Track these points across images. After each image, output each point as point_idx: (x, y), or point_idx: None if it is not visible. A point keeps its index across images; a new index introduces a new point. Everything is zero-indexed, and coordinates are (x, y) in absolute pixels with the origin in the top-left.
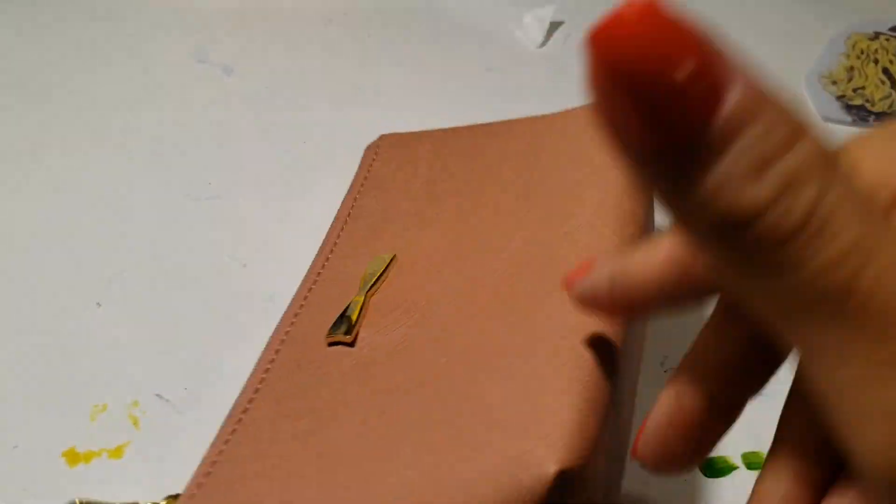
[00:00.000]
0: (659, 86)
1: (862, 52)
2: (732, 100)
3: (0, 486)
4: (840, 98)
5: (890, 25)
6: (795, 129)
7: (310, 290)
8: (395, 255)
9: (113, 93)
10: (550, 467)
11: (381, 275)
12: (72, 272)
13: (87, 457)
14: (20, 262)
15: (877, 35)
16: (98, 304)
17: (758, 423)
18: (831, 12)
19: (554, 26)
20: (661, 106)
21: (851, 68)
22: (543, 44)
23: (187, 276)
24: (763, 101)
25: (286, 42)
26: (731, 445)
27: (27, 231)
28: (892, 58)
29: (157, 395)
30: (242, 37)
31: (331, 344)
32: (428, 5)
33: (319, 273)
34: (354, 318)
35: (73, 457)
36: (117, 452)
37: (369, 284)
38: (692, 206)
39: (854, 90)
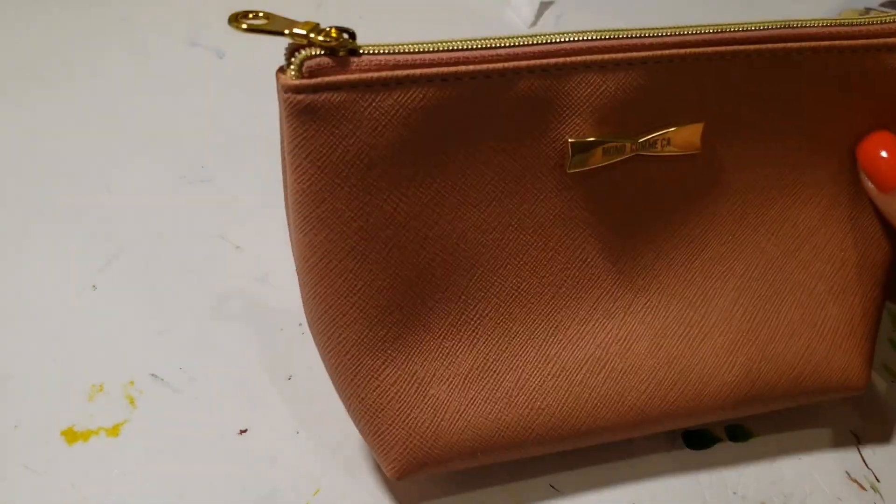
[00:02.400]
0: None
1: None
2: None
3: (1, 465)
4: None
5: (881, 0)
6: None
7: None
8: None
9: (106, 76)
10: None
11: None
12: (68, 256)
13: (86, 435)
14: (17, 247)
15: (867, 10)
16: (94, 286)
17: None
18: None
19: (545, 6)
20: None
21: None
22: (534, 23)
23: (181, 258)
24: None
25: None
26: None
27: (23, 215)
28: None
29: (153, 374)
30: None
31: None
32: None
33: None
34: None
35: (71, 436)
36: (114, 431)
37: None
38: None
39: None
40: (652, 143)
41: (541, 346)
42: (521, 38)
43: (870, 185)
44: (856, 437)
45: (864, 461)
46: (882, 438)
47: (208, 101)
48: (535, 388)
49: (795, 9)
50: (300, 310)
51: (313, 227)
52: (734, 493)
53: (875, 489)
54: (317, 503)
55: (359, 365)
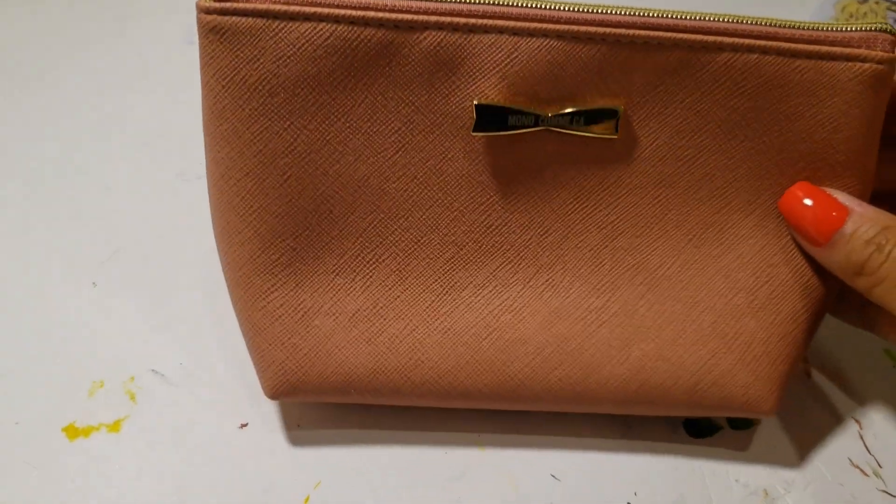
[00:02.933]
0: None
1: (851, 16)
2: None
3: (2, 461)
4: None
5: None
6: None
7: None
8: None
9: (103, 73)
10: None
11: None
12: (68, 253)
13: (87, 431)
14: (17, 244)
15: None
16: (94, 283)
17: None
18: None
19: None
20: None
21: None
22: None
23: (180, 255)
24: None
25: None
26: None
27: (23, 212)
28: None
29: (153, 370)
30: None
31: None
32: None
33: None
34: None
35: (72, 432)
36: (115, 426)
37: None
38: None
39: None
40: (564, 119)
41: (433, 301)
42: None
43: (803, 241)
44: (858, 423)
45: (866, 447)
46: (884, 424)
47: None
48: (419, 341)
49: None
50: None
51: (217, 143)
52: (736, 480)
53: (877, 475)
54: (317, 497)
55: (249, 284)
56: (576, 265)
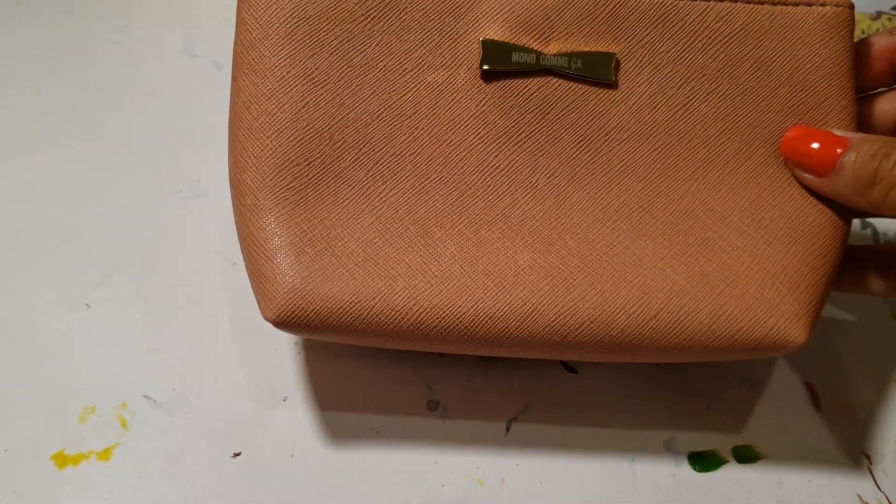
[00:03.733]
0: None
1: (863, 33)
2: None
3: None
4: None
5: (894, 3)
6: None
7: None
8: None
9: (100, 87)
10: (799, 339)
11: None
12: (61, 272)
13: (76, 459)
14: (9, 263)
15: (878, 14)
16: (87, 304)
17: (746, 415)
18: None
19: None
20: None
21: None
22: None
23: (176, 275)
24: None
25: None
26: (720, 440)
27: (15, 230)
28: None
29: (146, 395)
30: (232, 31)
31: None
32: None
33: None
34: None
35: (61, 459)
36: (105, 454)
37: None
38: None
39: None
40: (563, 60)
41: (442, 235)
42: None
43: (808, 176)
44: (868, 458)
45: (876, 483)
46: (894, 460)
47: (205, 113)
48: (427, 269)
49: None
50: None
51: (242, 71)
52: None
53: None
54: None
55: (259, 207)
56: (583, 207)
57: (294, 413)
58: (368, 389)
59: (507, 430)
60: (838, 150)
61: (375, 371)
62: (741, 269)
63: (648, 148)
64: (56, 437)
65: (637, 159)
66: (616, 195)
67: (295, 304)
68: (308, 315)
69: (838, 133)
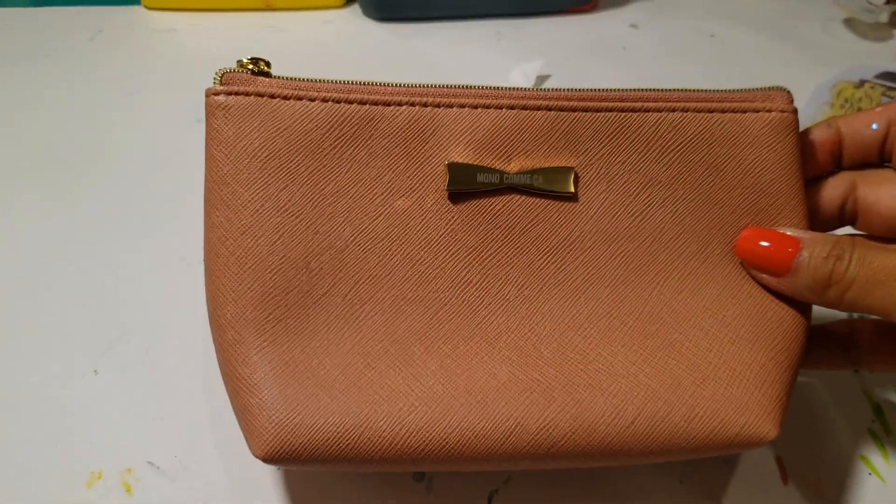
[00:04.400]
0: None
1: (846, 101)
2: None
3: None
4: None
5: (876, 72)
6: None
7: None
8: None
9: (110, 154)
10: (770, 435)
11: None
12: (72, 339)
13: None
14: (20, 328)
15: (862, 83)
16: (95, 371)
17: (718, 489)
18: (820, 59)
19: (541, 80)
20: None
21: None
22: None
23: (180, 343)
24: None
25: None
26: None
27: (26, 296)
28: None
29: (150, 462)
30: None
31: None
32: (420, 62)
33: None
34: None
35: None
36: None
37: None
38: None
39: None
40: (525, 177)
41: (421, 354)
42: (410, 83)
43: (765, 276)
44: None
45: None
46: None
47: None
48: (412, 391)
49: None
50: None
51: (216, 207)
52: None
53: None
54: None
55: (240, 341)
56: (554, 316)
57: (289, 483)
58: None
59: (489, 502)
60: (790, 249)
61: None
62: (709, 369)
63: (610, 255)
64: (65, 502)
65: (600, 266)
66: (584, 302)
67: (283, 439)
68: (296, 449)
69: (789, 232)
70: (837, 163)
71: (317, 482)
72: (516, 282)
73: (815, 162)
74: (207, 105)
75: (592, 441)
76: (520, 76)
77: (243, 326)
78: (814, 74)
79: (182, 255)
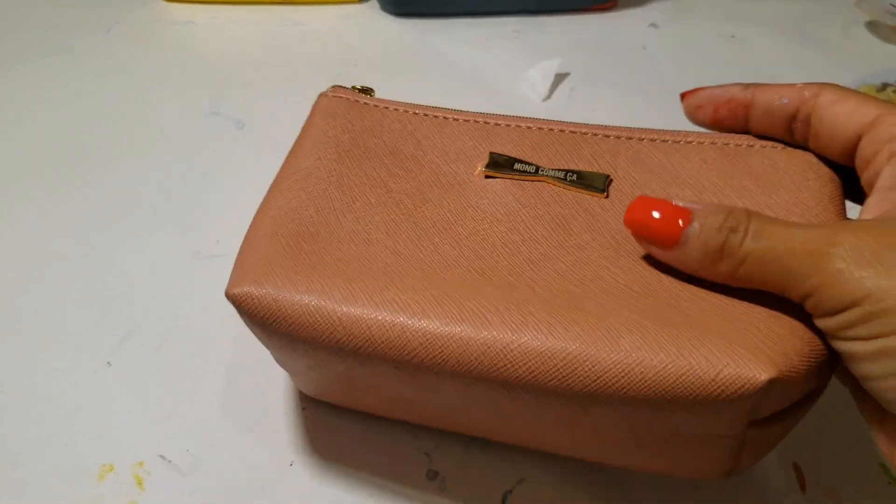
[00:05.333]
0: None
1: None
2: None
3: None
4: None
5: None
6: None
7: None
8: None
9: (125, 146)
10: (762, 375)
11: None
12: (83, 332)
13: None
14: (34, 321)
15: (884, 86)
16: (108, 363)
17: (736, 493)
18: (842, 62)
19: (559, 78)
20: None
21: None
22: (548, 97)
23: (192, 337)
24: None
25: (296, 97)
26: None
27: (41, 289)
28: None
29: (161, 456)
30: (255, 90)
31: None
32: (437, 59)
33: None
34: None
35: None
36: None
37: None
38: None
39: None
40: (560, 174)
41: (422, 276)
42: (473, 112)
43: (653, 248)
44: None
45: None
46: None
47: (225, 173)
48: (399, 288)
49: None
50: (303, 394)
51: (293, 153)
52: None
53: None
54: None
55: (265, 232)
56: (557, 271)
57: (300, 479)
58: (368, 457)
59: (503, 502)
60: (680, 221)
61: (376, 437)
62: (712, 323)
63: (633, 247)
64: (76, 494)
65: (620, 253)
66: (594, 270)
67: (261, 289)
68: (267, 303)
69: (681, 203)
70: (744, 125)
71: (327, 479)
72: (532, 246)
73: (724, 117)
74: (317, 100)
75: (556, 362)
76: (538, 74)
77: (272, 214)
78: (835, 78)
79: (196, 250)
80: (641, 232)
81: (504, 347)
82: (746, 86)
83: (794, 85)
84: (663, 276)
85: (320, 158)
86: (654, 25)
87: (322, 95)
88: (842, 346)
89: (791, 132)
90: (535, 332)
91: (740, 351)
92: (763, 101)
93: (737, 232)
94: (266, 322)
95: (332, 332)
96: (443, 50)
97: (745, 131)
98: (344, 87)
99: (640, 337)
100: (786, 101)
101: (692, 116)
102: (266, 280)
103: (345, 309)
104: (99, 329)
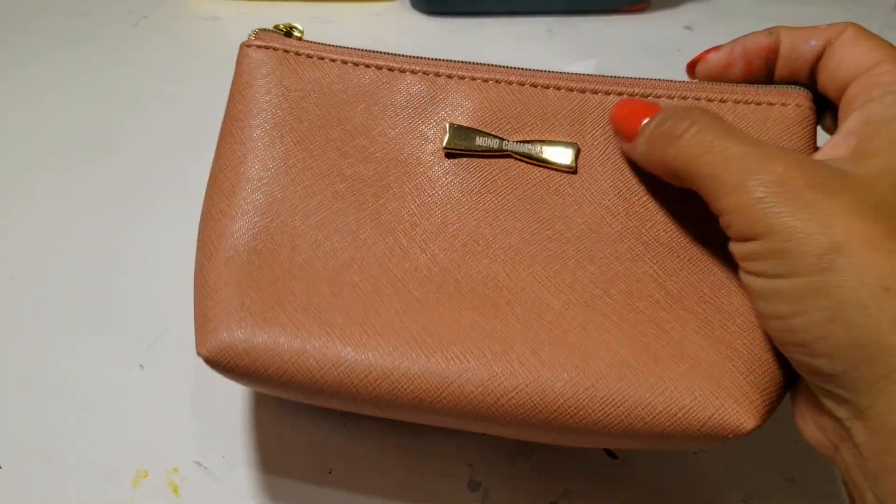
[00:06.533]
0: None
1: None
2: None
3: None
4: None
5: None
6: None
7: None
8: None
9: (155, 141)
10: (747, 425)
11: None
12: (117, 334)
13: None
14: (66, 323)
15: None
16: (141, 366)
17: None
18: None
19: None
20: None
21: None
22: None
23: None
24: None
25: None
26: None
27: (73, 289)
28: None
29: (197, 462)
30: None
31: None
32: (468, 58)
33: None
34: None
35: None
36: None
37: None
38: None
39: None
40: (525, 147)
41: (392, 294)
42: (423, 57)
43: (624, 145)
44: None
45: None
46: None
47: None
48: (370, 329)
49: None
50: None
51: (224, 139)
52: None
53: None
54: None
55: (216, 253)
56: (535, 277)
57: (338, 488)
58: (411, 469)
59: None
60: (645, 117)
61: (417, 446)
62: (692, 349)
63: (607, 232)
64: (111, 499)
65: (594, 242)
66: (572, 271)
67: (229, 346)
68: (239, 358)
69: (659, 103)
70: (770, 73)
71: (367, 488)
72: (503, 243)
73: (749, 66)
74: (239, 54)
75: (546, 400)
76: None
77: (221, 242)
78: None
79: None
80: (614, 124)
81: (495, 399)
82: (770, 31)
83: (819, 27)
84: (638, 269)
85: (259, 141)
86: (688, 28)
87: (245, 47)
88: (743, 277)
89: (812, 73)
90: (523, 380)
91: (727, 399)
92: (788, 45)
93: (683, 120)
94: (250, 374)
95: (312, 380)
96: (475, 49)
97: (769, 79)
98: (269, 32)
99: (629, 384)
100: (812, 44)
101: (722, 76)
102: (236, 328)
103: (322, 358)
104: (132, 329)
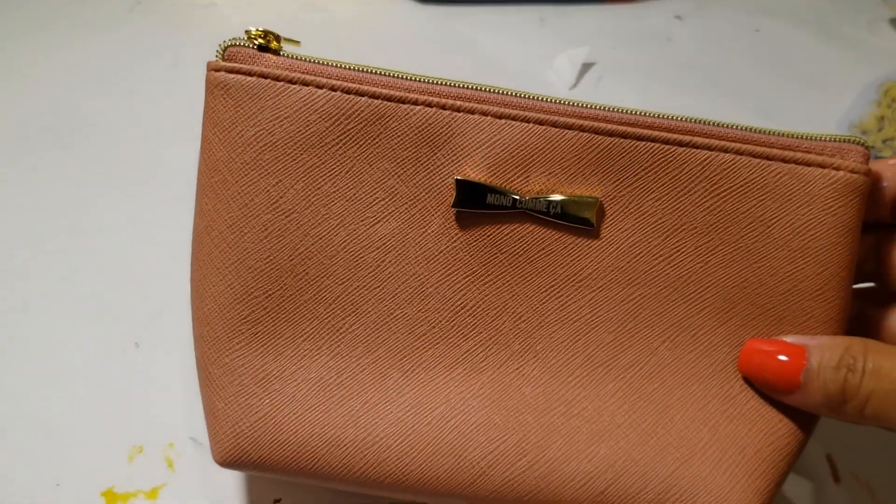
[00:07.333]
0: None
1: (893, 101)
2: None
3: None
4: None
5: None
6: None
7: None
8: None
9: (152, 127)
10: None
11: None
12: (112, 311)
13: (125, 497)
14: (61, 302)
15: None
16: (136, 344)
17: None
18: (866, 58)
19: (585, 67)
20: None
21: (882, 118)
22: (575, 85)
23: None
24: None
25: None
26: None
27: (67, 269)
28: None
29: (192, 438)
30: None
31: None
32: (462, 46)
33: None
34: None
35: (111, 497)
36: (153, 494)
37: None
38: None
39: (884, 141)
40: (541, 205)
41: (398, 378)
42: (430, 78)
43: (775, 394)
44: None
45: None
46: None
47: None
48: (379, 417)
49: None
50: None
51: (205, 194)
52: None
53: None
54: None
55: (215, 338)
56: (547, 356)
57: None
58: None
59: None
60: (794, 359)
61: None
62: (698, 446)
63: (621, 299)
64: (106, 474)
65: (608, 310)
66: (582, 346)
67: (241, 448)
68: (253, 459)
69: (790, 340)
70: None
71: None
72: (514, 313)
73: (876, 207)
74: (207, 81)
75: (559, 493)
76: (565, 63)
77: (219, 324)
78: (859, 73)
79: None
80: (759, 383)
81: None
82: None
83: None
84: (651, 349)
85: (244, 199)
86: (678, 17)
87: (212, 71)
88: None
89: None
90: (531, 484)
91: (729, 501)
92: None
93: (855, 371)
94: (261, 472)
95: (326, 471)
96: (468, 37)
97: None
98: (241, 47)
99: (624, 486)
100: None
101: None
102: (250, 438)
103: (341, 460)
104: (127, 307)
